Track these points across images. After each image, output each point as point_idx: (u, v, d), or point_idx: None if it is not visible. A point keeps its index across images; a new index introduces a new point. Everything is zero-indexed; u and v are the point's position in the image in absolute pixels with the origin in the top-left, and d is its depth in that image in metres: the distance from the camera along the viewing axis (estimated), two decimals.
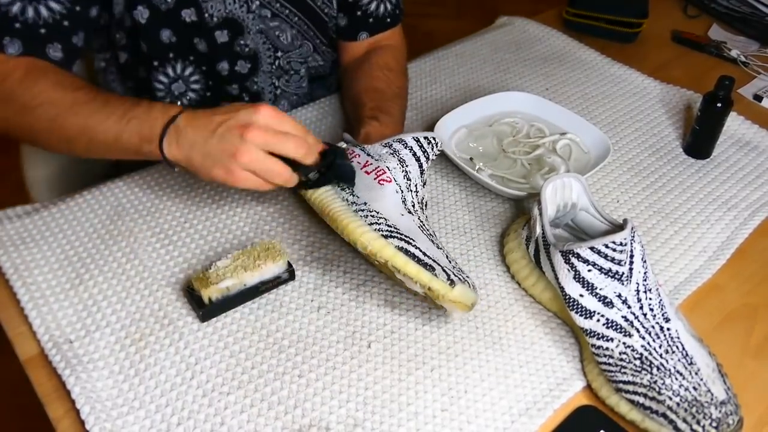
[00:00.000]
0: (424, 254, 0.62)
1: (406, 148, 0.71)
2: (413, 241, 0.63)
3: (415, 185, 0.70)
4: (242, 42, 0.88)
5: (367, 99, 0.85)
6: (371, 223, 0.64)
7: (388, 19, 0.95)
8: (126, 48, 0.88)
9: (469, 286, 0.63)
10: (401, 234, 0.64)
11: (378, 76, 0.89)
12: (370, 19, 0.93)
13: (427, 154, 0.73)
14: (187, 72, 0.88)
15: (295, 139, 0.65)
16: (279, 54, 0.92)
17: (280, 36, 0.90)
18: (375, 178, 0.69)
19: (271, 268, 0.68)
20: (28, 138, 0.77)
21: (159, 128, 0.67)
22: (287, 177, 0.65)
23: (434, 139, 0.74)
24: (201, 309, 0.66)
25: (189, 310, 0.68)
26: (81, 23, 0.77)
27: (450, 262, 0.65)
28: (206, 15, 0.84)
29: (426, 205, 0.73)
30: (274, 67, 0.92)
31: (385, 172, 0.69)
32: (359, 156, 0.72)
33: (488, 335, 0.67)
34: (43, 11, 0.73)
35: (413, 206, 0.69)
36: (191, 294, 0.67)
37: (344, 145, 0.75)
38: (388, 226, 0.64)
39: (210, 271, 0.66)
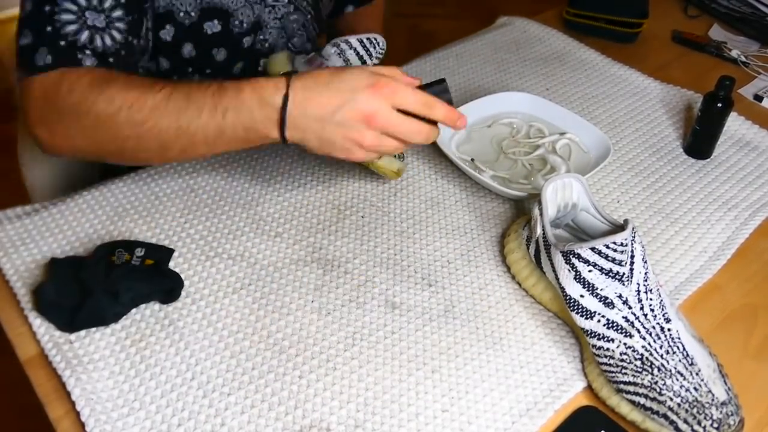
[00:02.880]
0: None
1: (350, 48, 0.80)
2: None
3: None
4: (262, 38, 0.88)
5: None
6: None
7: None
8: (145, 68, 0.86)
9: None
10: None
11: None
12: None
13: (370, 52, 0.81)
14: None
15: (414, 128, 0.66)
16: (290, 45, 0.93)
17: (296, 26, 0.92)
18: None
19: None
20: (113, 152, 0.69)
21: (271, 117, 0.64)
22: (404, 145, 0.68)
23: (376, 39, 0.81)
24: None
25: (189, 311, 0.67)
26: (133, 54, 0.75)
27: None
28: (236, 22, 0.84)
29: None
30: None
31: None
32: (316, 60, 0.81)
33: (489, 336, 0.67)
34: (108, 41, 0.70)
35: None
36: None
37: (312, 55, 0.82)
38: None
39: None
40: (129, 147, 0.68)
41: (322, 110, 0.64)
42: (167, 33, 0.81)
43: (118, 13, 0.70)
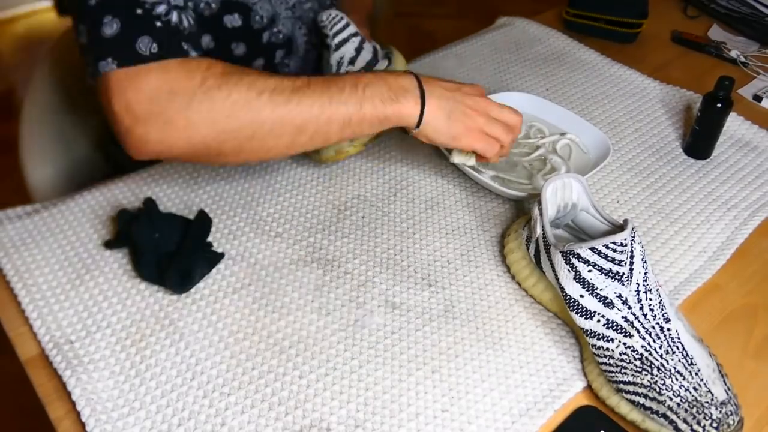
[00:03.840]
0: None
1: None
2: None
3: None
4: (276, 30, 0.86)
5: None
6: None
7: None
8: None
9: None
10: None
11: None
12: None
13: (327, 34, 0.84)
14: None
15: (495, 145, 0.74)
16: (313, 38, 0.92)
17: (313, 17, 0.91)
18: None
19: None
20: (235, 141, 0.65)
21: (411, 86, 0.69)
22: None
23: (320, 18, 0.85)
24: None
25: (190, 311, 0.68)
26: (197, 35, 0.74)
27: None
28: (257, 17, 0.82)
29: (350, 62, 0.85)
30: (305, 49, 0.92)
31: None
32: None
33: (489, 336, 0.67)
34: (186, 22, 0.67)
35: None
36: None
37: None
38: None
39: None
40: (262, 132, 0.65)
41: (447, 92, 0.71)
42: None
43: None
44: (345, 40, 0.84)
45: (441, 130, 0.71)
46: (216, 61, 0.65)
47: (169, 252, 0.70)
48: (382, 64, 0.88)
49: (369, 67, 0.86)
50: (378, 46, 0.89)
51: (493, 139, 0.74)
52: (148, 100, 0.61)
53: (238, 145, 0.66)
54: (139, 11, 0.61)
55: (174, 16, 0.64)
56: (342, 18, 0.85)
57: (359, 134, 0.70)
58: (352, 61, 0.85)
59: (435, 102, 0.70)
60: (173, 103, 0.62)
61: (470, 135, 0.72)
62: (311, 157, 0.84)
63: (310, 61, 0.94)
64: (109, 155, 1.04)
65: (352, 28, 0.85)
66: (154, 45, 0.61)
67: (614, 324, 0.60)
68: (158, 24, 0.62)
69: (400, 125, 0.71)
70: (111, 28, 0.61)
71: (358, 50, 0.85)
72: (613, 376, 0.60)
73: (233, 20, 0.79)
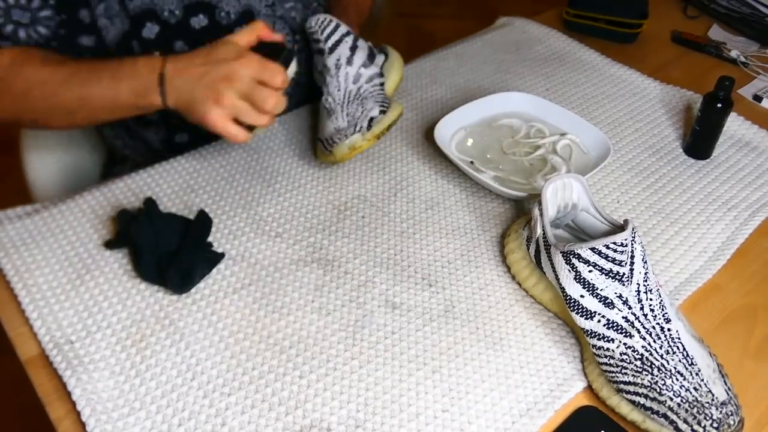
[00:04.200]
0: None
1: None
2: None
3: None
4: None
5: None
6: None
7: None
8: None
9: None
10: None
11: None
12: None
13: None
14: None
15: (265, 93, 0.71)
16: (297, 37, 0.92)
17: (295, 17, 0.92)
18: None
19: None
20: (28, 122, 0.81)
21: (154, 83, 0.72)
22: (244, 138, 0.73)
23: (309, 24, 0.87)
24: None
25: (190, 311, 0.68)
26: (68, 47, 0.80)
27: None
28: (222, 14, 0.85)
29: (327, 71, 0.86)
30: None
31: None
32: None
33: (489, 336, 0.67)
34: (33, 34, 0.78)
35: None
36: None
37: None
38: None
39: None
40: (42, 116, 0.78)
41: (192, 77, 0.71)
42: (149, 30, 0.82)
43: (46, 12, 0.77)
44: (338, 42, 0.84)
45: (190, 116, 0.73)
46: (9, 50, 0.76)
47: (169, 252, 0.70)
48: (379, 59, 0.88)
49: (367, 64, 0.86)
50: (371, 44, 0.89)
51: (253, 109, 0.72)
52: None
53: (32, 123, 0.84)
54: None
55: (9, 28, 0.76)
56: (331, 20, 0.85)
57: (127, 115, 0.78)
58: (349, 62, 0.84)
59: (174, 94, 0.73)
60: None
61: (212, 119, 0.71)
62: (325, 159, 0.83)
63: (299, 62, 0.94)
64: (114, 149, 1.03)
65: (343, 28, 0.85)
66: None
67: (615, 324, 0.60)
68: None
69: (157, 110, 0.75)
70: None
71: (353, 49, 0.85)
72: (614, 377, 0.60)
73: (200, 21, 0.84)
